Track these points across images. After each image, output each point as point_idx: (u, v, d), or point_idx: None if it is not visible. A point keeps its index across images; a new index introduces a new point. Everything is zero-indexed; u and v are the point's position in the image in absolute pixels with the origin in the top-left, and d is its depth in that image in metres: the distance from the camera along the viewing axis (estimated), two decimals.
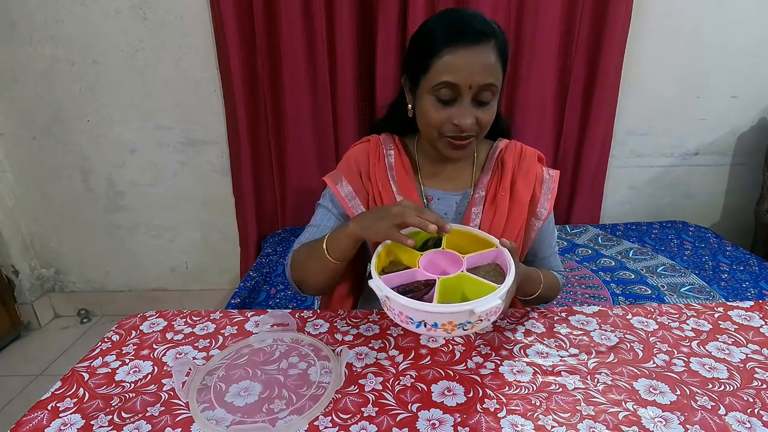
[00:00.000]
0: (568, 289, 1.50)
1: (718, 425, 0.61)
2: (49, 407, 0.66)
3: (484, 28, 0.77)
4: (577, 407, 0.64)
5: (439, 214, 0.91)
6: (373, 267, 0.72)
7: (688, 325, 0.82)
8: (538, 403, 0.64)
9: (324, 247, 0.80)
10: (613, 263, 1.64)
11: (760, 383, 0.68)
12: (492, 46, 0.77)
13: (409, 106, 0.87)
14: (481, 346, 0.77)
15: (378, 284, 0.66)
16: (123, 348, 0.78)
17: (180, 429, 0.61)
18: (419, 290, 0.69)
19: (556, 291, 0.95)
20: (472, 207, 0.89)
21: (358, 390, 0.67)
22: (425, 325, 0.64)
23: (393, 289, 0.67)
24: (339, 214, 0.92)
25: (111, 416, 0.64)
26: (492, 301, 0.62)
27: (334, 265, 0.81)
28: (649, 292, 1.46)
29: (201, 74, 1.84)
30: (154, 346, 0.79)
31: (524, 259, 0.95)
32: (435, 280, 0.69)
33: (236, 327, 0.83)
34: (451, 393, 0.66)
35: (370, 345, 0.77)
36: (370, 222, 0.75)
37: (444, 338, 0.69)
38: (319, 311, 0.88)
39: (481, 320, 0.64)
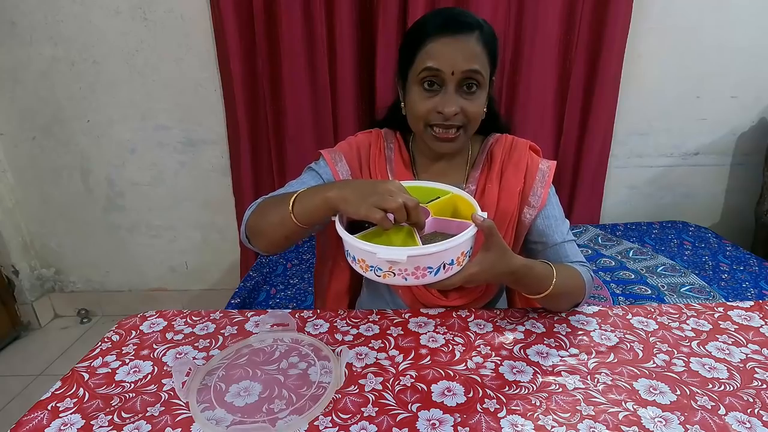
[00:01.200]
0: None
1: (718, 425, 0.61)
2: (49, 407, 0.66)
3: (468, 20, 0.79)
4: (577, 407, 0.64)
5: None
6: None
7: (688, 325, 0.82)
8: (538, 403, 0.64)
9: (291, 201, 0.72)
10: (613, 263, 1.64)
11: (760, 383, 0.68)
12: (476, 37, 0.79)
13: (402, 104, 0.88)
14: (481, 346, 0.77)
15: (336, 215, 0.72)
16: (123, 348, 0.78)
17: (180, 429, 0.61)
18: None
19: (580, 290, 0.84)
20: None
21: (358, 390, 0.67)
22: (349, 255, 0.69)
23: (353, 223, 0.72)
24: (328, 182, 0.90)
25: (111, 416, 0.64)
26: (396, 253, 0.62)
27: (293, 224, 0.72)
28: (649, 292, 1.46)
29: (201, 74, 1.84)
30: (154, 346, 0.79)
31: (532, 250, 0.93)
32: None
33: (236, 327, 0.83)
34: (451, 393, 0.66)
35: (370, 345, 0.77)
36: (351, 194, 0.67)
37: (363, 275, 0.68)
38: (318, 311, 0.88)
39: (393, 273, 0.65)
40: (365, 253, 0.65)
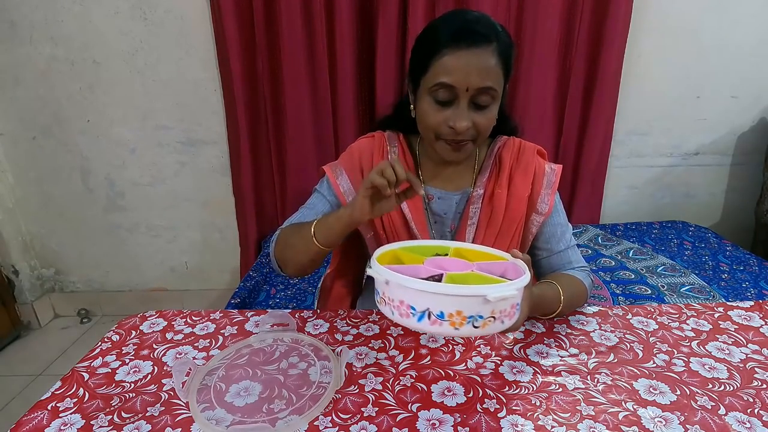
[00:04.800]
0: None
1: (718, 425, 0.61)
2: (49, 407, 0.66)
3: (486, 31, 0.76)
4: (577, 407, 0.64)
5: (439, 213, 0.91)
6: (374, 256, 0.67)
7: (688, 325, 0.82)
8: (538, 403, 0.64)
9: (312, 230, 0.80)
10: (613, 263, 1.64)
11: (760, 383, 0.68)
12: (493, 49, 0.76)
13: (411, 107, 0.87)
14: (481, 346, 0.77)
15: (378, 269, 0.60)
16: (123, 348, 0.78)
17: (180, 429, 0.61)
18: None
19: (583, 296, 0.88)
20: (471, 205, 0.89)
21: (358, 390, 0.67)
22: (429, 316, 0.55)
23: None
24: (334, 204, 0.92)
25: (111, 416, 0.64)
26: (507, 289, 0.55)
27: (318, 248, 0.80)
28: (649, 292, 1.46)
29: (201, 74, 1.84)
30: (154, 346, 0.79)
31: (535, 255, 0.94)
32: (441, 275, 0.62)
33: (236, 327, 0.83)
34: (451, 393, 0.66)
35: (370, 345, 0.77)
36: (353, 200, 0.75)
37: (448, 336, 0.64)
38: (318, 311, 0.88)
39: (494, 317, 0.56)
40: (468, 301, 0.55)
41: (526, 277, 0.60)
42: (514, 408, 0.63)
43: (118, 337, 0.82)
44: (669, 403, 0.64)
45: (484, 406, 0.64)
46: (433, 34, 0.79)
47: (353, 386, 0.68)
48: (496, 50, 0.76)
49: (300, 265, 0.86)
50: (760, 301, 0.89)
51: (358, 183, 0.91)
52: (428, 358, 0.74)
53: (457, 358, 0.74)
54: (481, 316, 0.55)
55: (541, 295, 0.78)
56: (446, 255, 0.72)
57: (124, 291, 2.22)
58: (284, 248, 0.87)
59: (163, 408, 0.65)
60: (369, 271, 0.62)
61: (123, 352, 0.77)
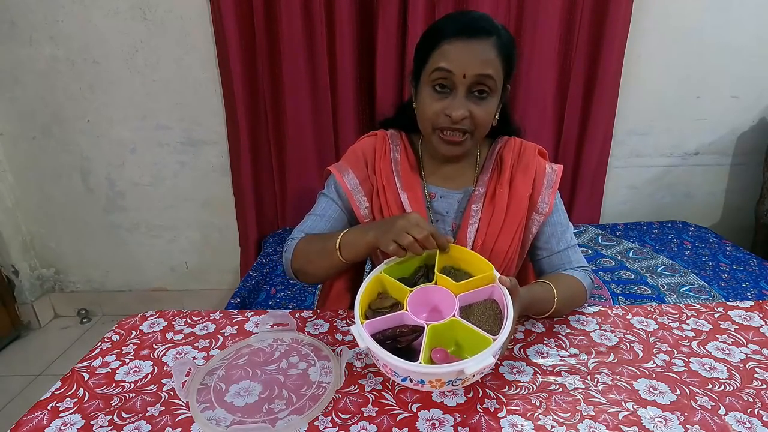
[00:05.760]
0: None
1: (718, 425, 0.61)
2: (49, 407, 0.66)
3: (486, 26, 0.78)
4: (577, 407, 0.64)
5: (441, 211, 0.91)
6: (356, 311, 0.66)
7: (688, 325, 0.82)
8: (538, 403, 0.64)
9: (337, 246, 0.80)
10: (613, 263, 1.64)
11: (760, 383, 0.68)
12: (492, 42, 0.78)
13: (414, 105, 0.88)
14: None
15: (360, 333, 0.62)
16: (123, 348, 0.78)
17: (180, 429, 0.61)
18: (406, 335, 0.65)
19: (582, 296, 0.88)
20: (472, 204, 0.89)
21: (358, 390, 0.67)
22: (410, 380, 0.61)
23: (379, 333, 0.64)
24: (344, 206, 0.92)
25: (111, 416, 0.64)
26: (484, 359, 0.58)
27: (344, 263, 0.82)
28: (649, 292, 1.46)
29: (201, 74, 1.84)
30: (154, 346, 0.79)
31: (536, 255, 0.94)
32: (423, 329, 0.64)
33: (236, 327, 0.83)
34: (451, 393, 0.66)
35: None
36: (381, 232, 0.75)
37: (436, 390, 0.65)
38: (318, 311, 0.88)
39: (473, 375, 0.60)
40: (446, 375, 0.59)
41: (507, 329, 0.62)
42: (514, 408, 0.64)
43: (118, 337, 0.82)
44: (669, 403, 0.64)
45: (484, 406, 0.64)
46: (435, 31, 0.81)
47: (353, 386, 0.68)
48: (496, 44, 0.78)
49: (320, 277, 0.89)
50: (760, 301, 0.89)
51: (364, 178, 0.92)
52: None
53: None
54: (459, 379, 0.60)
55: (531, 296, 0.78)
56: (432, 265, 0.74)
57: (124, 291, 2.22)
58: (306, 262, 0.87)
59: (163, 408, 0.65)
60: (353, 329, 0.64)
61: (123, 352, 0.77)
